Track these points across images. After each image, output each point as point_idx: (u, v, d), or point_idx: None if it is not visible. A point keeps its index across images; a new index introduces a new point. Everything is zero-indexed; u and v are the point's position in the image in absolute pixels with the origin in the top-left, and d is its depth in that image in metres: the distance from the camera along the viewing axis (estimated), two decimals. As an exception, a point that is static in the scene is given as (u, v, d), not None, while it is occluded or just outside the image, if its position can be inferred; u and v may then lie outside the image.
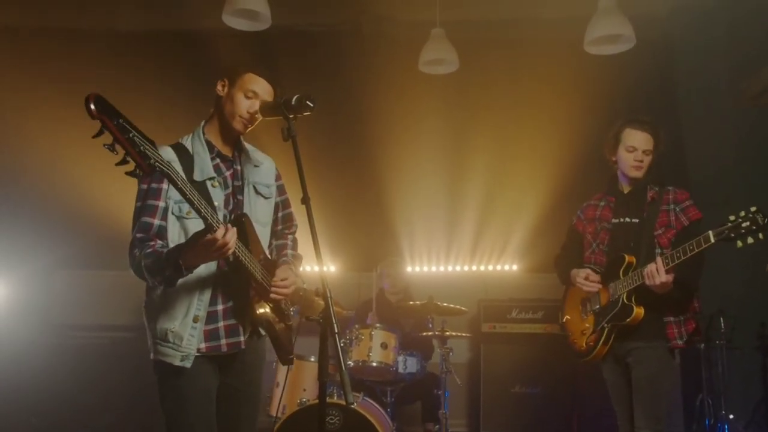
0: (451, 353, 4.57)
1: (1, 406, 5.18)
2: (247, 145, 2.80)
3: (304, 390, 4.39)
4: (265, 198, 2.78)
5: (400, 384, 4.76)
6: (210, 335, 2.52)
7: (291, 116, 2.40)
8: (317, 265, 2.23)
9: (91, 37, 6.16)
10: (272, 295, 2.60)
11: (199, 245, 2.29)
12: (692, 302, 3.24)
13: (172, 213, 2.51)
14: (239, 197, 2.68)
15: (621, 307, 3.20)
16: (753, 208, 2.84)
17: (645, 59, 5.53)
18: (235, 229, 2.33)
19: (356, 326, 4.65)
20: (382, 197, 6.16)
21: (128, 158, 2.01)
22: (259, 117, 2.62)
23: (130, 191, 2.49)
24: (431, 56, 5.44)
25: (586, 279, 3.39)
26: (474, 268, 6.40)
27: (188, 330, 2.48)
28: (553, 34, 5.57)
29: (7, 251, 5.59)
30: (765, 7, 4.97)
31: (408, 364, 4.62)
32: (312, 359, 4.44)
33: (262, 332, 2.70)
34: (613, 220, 3.41)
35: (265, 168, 2.81)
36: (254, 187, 2.73)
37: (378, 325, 4.62)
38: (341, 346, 2.17)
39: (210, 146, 2.64)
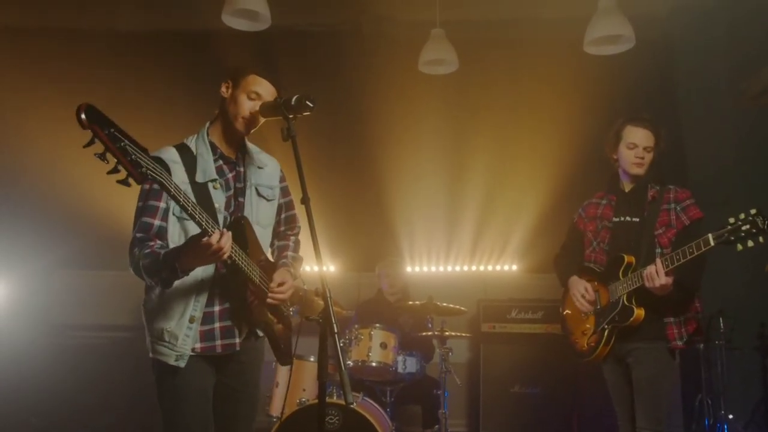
0: (450, 353, 4.57)
1: (1, 405, 5.18)
2: (252, 147, 2.80)
3: (304, 390, 4.39)
4: (268, 200, 2.79)
5: (400, 384, 4.76)
6: (205, 336, 2.55)
7: (291, 116, 2.41)
8: (317, 265, 2.24)
9: (91, 37, 6.16)
10: (269, 300, 2.62)
11: (195, 249, 2.31)
12: (693, 303, 3.23)
13: (173, 214, 2.52)
14: (240, 199, 2.69)
15: (621, 309, 3.20)
16: (753, 211, 2.82)
17: (645, 59, 5.53)
18: (230, 233, 2.34)
19: (356, 326, 4.65)
20: (382, 197, 6.16)
21: (119, 167, 2.02)
22: (263, 119, 2.62)
23: (130, 192, 2.49)
24: (431, 56, 5.44)
25: (583, 296, 3.39)
26: (474, 268, 6.40)
27: (184, 330, 2.50)
28: (553, 35, 5.57)
29: (7, 251, 5.59)
30: (765, 7, 4.97)
31: (407, 364, 4.62)
32: (311, 359, 4.44)
33: (260, 333, 2.72)
34: (614, 219, 3.40)
35: (269, 170, 2.82)
36: (256, 189, 2.74)
37: (377, 325, 4.62)
38: (341, 346, 2.18)
39: (213, 148, 2.65)
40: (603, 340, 3.26)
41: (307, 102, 2.39)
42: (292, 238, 2.99)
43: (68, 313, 5.98)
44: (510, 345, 5.65)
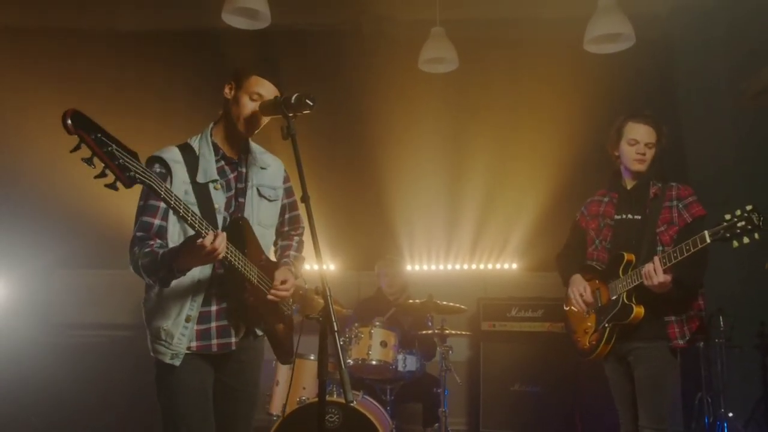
0: (450, 352, 4.58)
1: (1, 405, 5.19)
2: (256, 147, 2.82)
3: (304, 388, 4.40)
4: (270, 201, 2.80)
5: (400, 382, 4.76)
6: (202, 335, 2.56)
7: (290, 115, 2.42)
8: (317, 264, 2.24)
9: (91, 36, 6.17)
10: (270, 297, 2.63)
11: (190, 250, 2.33)
12: (694, 301, 3.21)
13: (173, 214, 2.52)
14: (241, 200, 2.70)
15: (621, 307, 3.19)
16: (749, 207, 2.81)
17: (645, 59, 5.53)
18: (224, 234, 2.35)
19: (356, 324, 4.66)
20: (382, 196, 6.17)
21: (107, 171, 2.04)
22: (265, 120, 2.63)
23: (129, 191, 2.50)
24: (431, 54, 5.44)
25: (581, 295, 3.39)
26: (474, 266, 6.41)
27: (179, 329, 2.52)
28: (552, 33, 5.57)
29: (7, 251, 5.59)
30: (765, 7, 4.97)
31: (407, 363, 4.62)
32: (312, 358, 4.45)
33: (259, 332, 2.73)
34: (616, 217, 3.39)
35: (272, 170, 2.83)
36: (258, 190, 2.75)
37: (377, 323, 4.62)
38: (341, 345, 2.19)
39: (216, 148, 2.67)
40: (604, 339, 3.26)
41: (307, 100, 2.40)
42: (296, 238, 3.00)
43: (68, 312, 5.99)
44: (510, 343, 5.66)
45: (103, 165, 2.03)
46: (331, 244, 6.02)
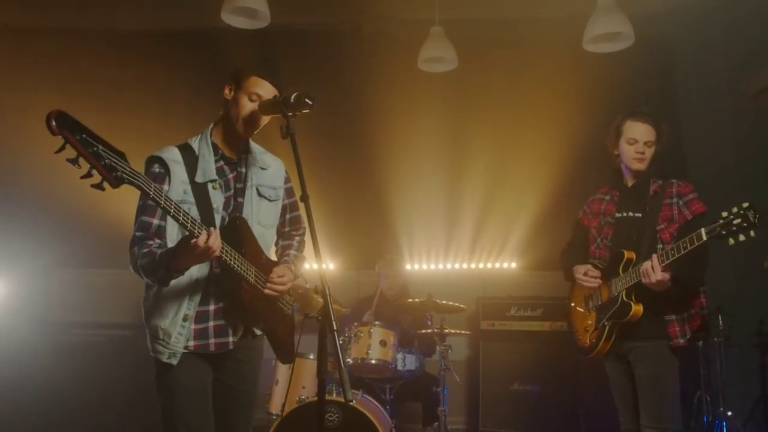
0: (450, 351, 4.58)
1: (1, 404, 5.19)
2: (257, 148, 2.83)
3: (303, 387, 4.40)
4: (270, 201, 2.81)
5: (399, 381, 4.77)
6: (199, 334, 2.58)
7: (290, 114, 2.42)
8: (316, 263, 2.24)
9: (92, 36, 6.16)
10: (267, 291, 2.64)
11: (185, 250, 2.34)
12: (695, 299, 3.21)
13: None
14: (240, 200, 2.71)
15: (620, 305, 3.19)
16: (745, 204, 2.79)
17: (644, 58, 5.53)
18: (217, 232, 2.36)
19: (355, 324, 4.66)
20: (382, 195, 6.17)
21: (93, 171, 2.05)
22: (265, 120, 2.64)
23: (129, 191, 2.51)
24: (430, 54, 5.44)
25: (585, 274, 3.39)
26: (473, 265, 6.41)
27: (177, 328, 2.54)
28: (552, 33, 5.57)
29: (7, 250, 5.60)
30: (764, 7, 4.97)
31: (407, 362, 4.63)
32: (311, 357, 4.45)
33: (258, 332, 2.73)
34: (617, 215, 3.39)
35: (272, 170, 2.84)
36: (257, 190, 2.76)
37: (377, 322, 4.63)
38: (340, 344, 2.19)
39: (215, 148, 2.68)
40: (603, 337, 3.26)
41: (306, 100, 2.40)
42: (297, 238, 3.01)
43: (68, 311, 5.99)
44: (509, 342, 5.67)
45: (89, 165, 2.04)
46: (330, 244, 6.02)
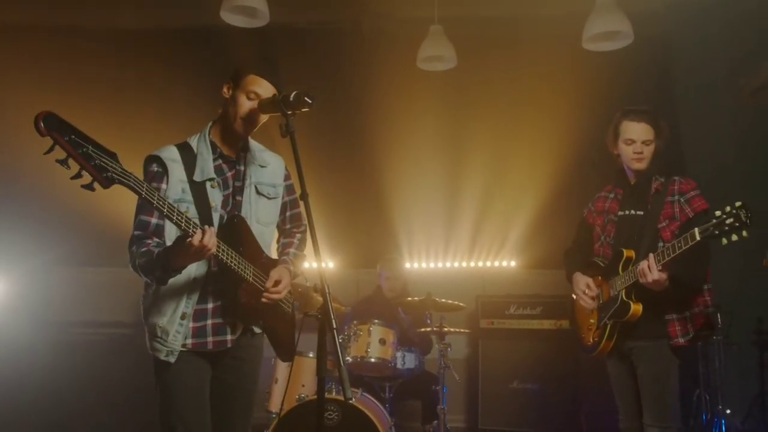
0: (449, 349, 4.59)
1: (1, 402, 5.19)
2: (256, 145, 2.82)
3: (303, 386, 4.41)
4: (269, 198, 2.80)
5: (399, 380, 4.78)
6: (197, 332, 2.58)
7: (289, 112, 2.42)
8: (316, 262, 2.25)
9: (92, 35, 6.16)
10: (264, 300, 2.63)
11: (181, 249, 2.35)
12: (699, 297, 3.17)
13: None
14: (238, 198, 2.70)
15: (620, 304, 3.18)
16: (738, 203, 2.76)
17: (643, 56, 5.53)
18: (213, 230, 2.36)
19: (354, 322, 4.66)
20: (381, 194, 6.18)
21: (83, 172, 2.05)
22: (263, 119, 2.64)
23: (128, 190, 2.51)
24: (429, 52, 5.44)
25: (585, 291, 3.39)
26: (472, 264, 6.42)
27: (175, 326, 2.54)
28: (551, 31, 5.57)
29: (7, 248, 5.59)
30: (763, 4, 4.97)
31: (406, 360, 4.63)
32: (311, 355, 4.46)
33: (257, 330, 2.73)
34: (620, 213, 3.38)
35: (271, 168, 2.83)
36: (256, 188, 2.75)
37: (376, 321, 4.63)
38: (340, 342, 2.19)
39: (213, 147, 2.68)
40: (605, 335, 3.25)
41: (306, 98, 2.39)
42: (298, 235, 3.00)
43: (67, 309, 5.99)
44: (508, 341, 5.67)
45: (79, 166, 2.04)
46: (330, 242, 6.02)
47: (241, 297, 2.57)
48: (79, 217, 5.48)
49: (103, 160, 2.08)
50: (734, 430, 4.95)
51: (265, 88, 2.61)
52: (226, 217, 2.63)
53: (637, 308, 3.14)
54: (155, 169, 2.57)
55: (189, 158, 2.61)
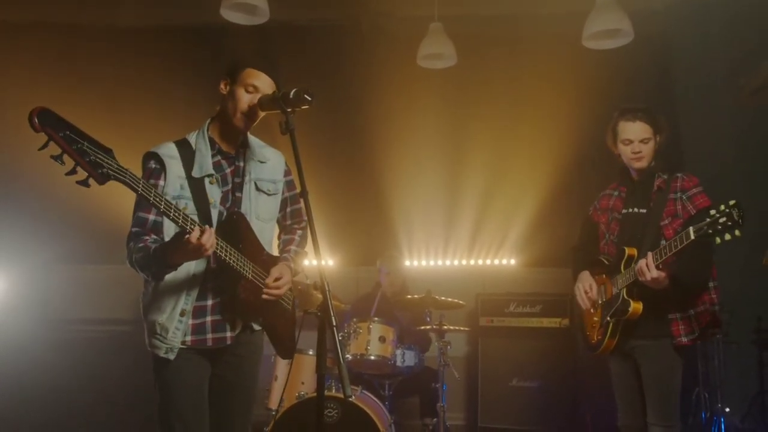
0: (449, 347, 4.59)
1: (0, 400, 5.20)
2: (256, 141, 2.81)
3: (303, 383, 4.40)
4: (268, 194, 2.79)
5: (398, 377, 4.78)
6: (197, 329, 2.57)
7: (289, 110, 2.41)
8: (315, 259, 2.25)
9: (91, 32, 6.16)
10: (264, 297, 2.63)
11: (179, 246, 2.34)
12: (704, 296, 3.15)
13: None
14: (238, 194, 2.69)
15: (621, 302, 3.17)
16: (731, 202, 2.72)
17: (643, 54, 5.53)
18: (211, 229, 2.36)
19: (354, 320, 4.66)
20: (381, 192, 6.18)
21: (77, 168, 2.04)
22: (262, 113, 2.63)
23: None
24: (429, 50, 5.44)
25: (585, 292, 3.39)
26: (472, 262, 6.41)
27: (174, 323, 2.53)
28: (551, 30, 5.58)
29: (6, 246, 5.59)
30: (763, 4, 4.97)
31: (406, 358, 4.63)
32: (310, 353, 4.46)
33: (256, 327, 2.73)
34: (623, 211, 3.37)
35: (271, 164, 2.82)
36: (256, 184, 2.75)
37: (376, 318, 4.63)
38: (339, 340, 2.19)
39: (212, 143, 2.67)
40: (608, 334, 3.24)
41: (306, 95, 2.38)
42: (299, 231, 2.99)
43: (67, 307, 5.99)
44: (508, 339, 5.67)
45: (74, 162, 2.03)
46: (330, 240, 6.03)
47: (240, 294, 2.56)
48: (79, 214, 5.48)
49: (99, 156, 2.07)
50: (733, 429, 4.95)
51: (263, 81, 2.60)
52: (225, 214, 2.62)
53: (637, 306, 3.13)
54: (153, 165, 2.56)
55: (187, 154, 2.60)
